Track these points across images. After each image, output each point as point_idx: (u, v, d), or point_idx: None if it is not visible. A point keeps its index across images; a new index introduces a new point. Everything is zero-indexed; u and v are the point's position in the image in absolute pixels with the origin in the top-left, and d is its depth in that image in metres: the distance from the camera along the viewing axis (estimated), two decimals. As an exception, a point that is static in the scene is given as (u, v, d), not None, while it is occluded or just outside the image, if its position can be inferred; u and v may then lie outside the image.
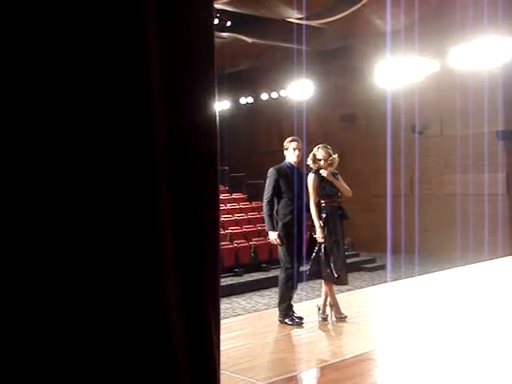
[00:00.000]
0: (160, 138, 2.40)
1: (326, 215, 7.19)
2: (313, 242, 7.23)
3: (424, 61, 16.99)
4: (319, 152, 7.32)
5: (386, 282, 13.79)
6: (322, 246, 7.14)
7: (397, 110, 17.49)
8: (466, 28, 15.11)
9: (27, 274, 2.01)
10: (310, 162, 7.35)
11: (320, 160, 7.29)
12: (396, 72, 17.15)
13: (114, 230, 2.25)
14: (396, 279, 12.48)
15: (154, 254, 2.34)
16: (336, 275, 7.14)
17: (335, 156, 7.39)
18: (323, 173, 7.24)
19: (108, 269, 2.22)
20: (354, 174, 18.97)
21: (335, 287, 7.48)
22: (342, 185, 7.34)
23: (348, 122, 20.64)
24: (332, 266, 7.12)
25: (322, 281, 7.39)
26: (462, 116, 17.16)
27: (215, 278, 2.72)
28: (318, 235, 7.14)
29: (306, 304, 8.55)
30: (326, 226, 7.17)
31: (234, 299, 13.69)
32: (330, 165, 7.34)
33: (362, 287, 13.03)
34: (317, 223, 7.15)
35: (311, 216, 7.22)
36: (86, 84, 2.17)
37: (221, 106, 21.83)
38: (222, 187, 19.60)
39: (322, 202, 7.24)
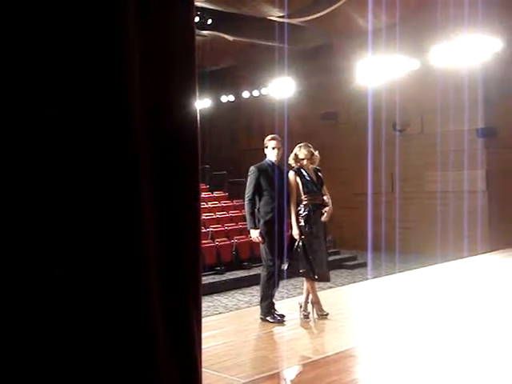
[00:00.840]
0: (140, 137, 2.40)
1: (308, 212, 7.24)
2: (294, 239, 7.26)
3: (405, 59, 17.07)
4: (301, 151, 7.35)
5: (367, 279, 13.87)
6: (300, 242, 7.18)
7: (378, 107, 17.59)
8: (447, 27, 15.21)
9: (6, 274, 2.01)
10: (291, 161, 7.40)
11: (303, 159, 7.34)
12: (377, 70, 17.22)
13: (95, 229, 2.24)
14: (377, 276, 12.53)
15: (136, 254, 2.33)
16: (315, 272, 7.17)
17: (317, 153, 7.45)
18: (324, 218, 7.25)
19: (89, 268, 2.21)
20: (336, 172, 19.08)
21: (317, 284, 7.51)
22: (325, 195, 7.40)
23: (329, 120, 20.69)
24: (312, 262, 7.16)
25: (304, 278, 7.41)
26: (442, 113, 17.28)
27: (197, 276, 2.72)
28: (295, 232, 7.20)
29: (288, 302, 8.57)
30: (307, 222, 7.21)
31: (216, 297, 13.70)
32: (312, 162, 7.41)
33: (343, 285, 13.08)
34: (293, 219, 7.22)
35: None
36: (65, 83, 2.16)
37: (202, 104, 21.79)
38: (203, 185, 19.58)
39: (304, 199, 7.28)
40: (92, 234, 2.24)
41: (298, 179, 7.29)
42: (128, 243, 2.33)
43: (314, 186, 7.32)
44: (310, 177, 7.35)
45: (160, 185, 2.53)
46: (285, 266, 7.26)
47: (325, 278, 7.45)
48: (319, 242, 7.24)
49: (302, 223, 7.21)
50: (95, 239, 2.24)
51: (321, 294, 7.66)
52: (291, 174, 7.31)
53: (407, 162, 18.54)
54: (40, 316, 2.07)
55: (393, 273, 12.53)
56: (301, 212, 7.26)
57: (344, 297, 9.06)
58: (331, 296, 8.76)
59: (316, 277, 7.25)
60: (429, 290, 9.28)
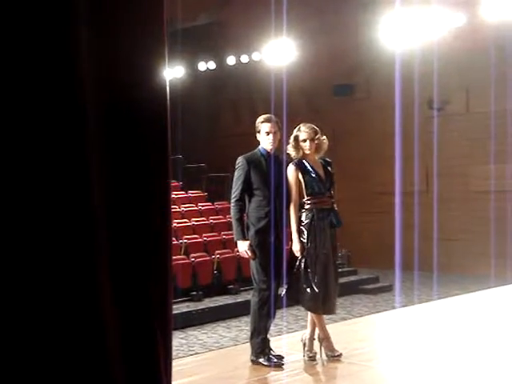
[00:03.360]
0: (89, 118, 2.42)
1: (311, 220, 7.22)
2: (295, 256, 7.23)
3: (447, 12, 17.02)
4: (302, 131, 7.33)
5: (393, 308, 13.90)
6: (302, 261, 7.17)
7: (409, 78, 17.60)
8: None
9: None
10: (290, 148, 7.37)
11: (304, 141, 7.30)
12: (408, 27, 17.20)
13: (33, 237, 2.31)
14: (407, 304, 12.58)
15: (85, 279, 2.40)
16: (319, 303, 7.14)
17: (324, 137, 7.45)
18: None
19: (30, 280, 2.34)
20: (351, 164, 19.14)
21: (326, 315, 7.52)
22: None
23: (343, 95, 20.74)
24: (314, 287, 7.12)
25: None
26: (496, 87, 17.27)
27: (165, 304, 2.74)
28: (295, 247, 7.17)
29: (288, 338, 8.59)
30: (310, 234, 7.20)
31: (191, 332, 13.72)
32: (318, 149, 7.38)
33: (361, 315, 13.12)
34: (294, 230, 7.20)
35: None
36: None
37: (172, 73, 21.73)
38: (174, 182, 19.57)
39: (308, 202, 7.26)
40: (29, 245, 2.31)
41: (300, 175, 7.28)
42: (71, 263, 2.39)
43: (320, 185, 7.31)
44: (315, 172, 7.33)
45: (116, 178, 2.55)
46: (283, 291, 7.29)
47: (330, 310, 7.45)
48: (326, 261, 7.23)
49: (305, 235, 7.20)
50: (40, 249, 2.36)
51: (331, 328, 7.66)
52: (291, 169, 7.30)
53: (448, 152, 18.60)
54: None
55: (429, 300, 12.59)
56: (303, 219, 7.25)
57: (362, 332, 9.08)
58: (345, 330, 8.79)
59: (320, 310, 7.25)
60: (478, 323, 9.29)
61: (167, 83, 2.74)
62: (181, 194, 20.28)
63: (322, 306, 7.21)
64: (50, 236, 2.41)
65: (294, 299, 7.36)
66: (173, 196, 18.30)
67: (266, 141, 7.36)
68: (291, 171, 7.30)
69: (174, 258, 15.10)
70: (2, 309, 2.29)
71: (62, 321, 2.41)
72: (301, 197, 7.29)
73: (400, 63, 17.13)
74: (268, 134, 7.33)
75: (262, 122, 7.40)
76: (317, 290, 7.12)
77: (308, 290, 7.14)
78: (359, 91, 20.64)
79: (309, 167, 7.32)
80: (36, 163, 2.33)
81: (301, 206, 7.29)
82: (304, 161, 7.35)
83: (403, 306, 12.71)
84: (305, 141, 7.30)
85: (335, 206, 7.41)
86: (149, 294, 2.67)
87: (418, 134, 17.88)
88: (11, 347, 2.29)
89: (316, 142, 7.32)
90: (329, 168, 7.47)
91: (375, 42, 18.31)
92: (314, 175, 7.31)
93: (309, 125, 7.39)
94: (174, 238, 16.07)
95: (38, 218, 2.37)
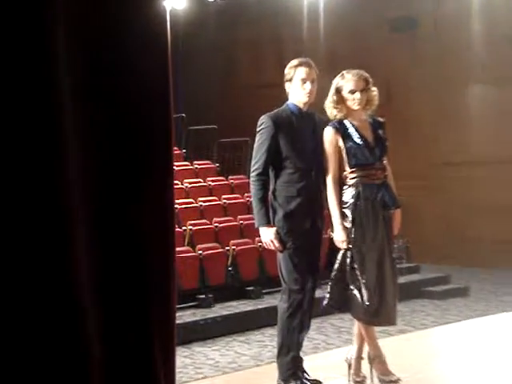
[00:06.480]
0: (60, 67, 2.48)
1: (356, 200, 7.22)
2: (337, 248, 7.26)
3: None
4: (347, 79, 7.29)
5: (469, 317, 13.84)
6: (347, 255, 7.19)
7: (491, 10, 17.50)
8: None
9: None
10: (329, 105, 7.33)
11: (352, 92, 7.23)
12: None
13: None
14: (487, 313, 12.58)
15: (65, 291, 2.52)
16: (367, 307, 7.14)
17: (375, 89, 7.43)
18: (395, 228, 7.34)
19: None
20: (413, 125, 19.03)
21: (378, 328, 7.57)
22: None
23: (402, 32, 20.64)
24: (363, 290, 7.14)
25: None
26: None
27: (167, 312, 2.79)
28: (337, 237, 7.19)
29: (327, 356, 8.63)
30: (356, 219, 7.20)
31: (198, 349, 13.75)
32: (367, 104, 7.38)
33: (426, 327, 13.15)
34: (335, 215, 7.20)
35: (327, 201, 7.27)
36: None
37: (172, 3, 21.65)
38: (175, 150, 19.60)
39: (351, 176, 7.27)
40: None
41: (341, 141, 7.27)
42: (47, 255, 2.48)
43: (368, 154, 7.30)
44: (361, 136, 7.32)
45: (99, 159, 2.61)
46: (325, 299, 7.29)
47: (388, 320, 7.48)
48: (379, 255, 7.26)
49: (349, 220, 7.21)
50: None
51: (386, 344, 7.72)
52: (328, 133, 7.29)
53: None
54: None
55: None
56: (345, 199, 7.25)
57: (427, 349, 9.10)
58: (404, 347, 8.84)
59: (374, 319, 7.28)
60: None
61: (167, 19, 2.77)
62: (184, 165, 20.29)
63: (376, 314, 7.21)
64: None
65: (337, 305, 7.40)
66: (174, 168, 18.19)
67: (300, 92, 7.33)
68: (329, 136, 7.28)
69: (176, 250, 15.01)
70: None
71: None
72: (342, 169, 7.29)
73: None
74: (304, 81, 7.31)
75: (296, 66, 7.37)
76: (366, 295, 7.12)
77: (356, 293, 7.15)
78: (424, 27, 20.49)
79: (352, 130, 7.30)
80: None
81: (343, 182, 7.28)
82: (346, 121, 7.32)
83: (482, 315, 12.69)
84: (352, 92, 7.24)
85: (389, 180, 7.41)
86: (146, 300, 2.72)
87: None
88: None
89: (366, 94, 7.31)
90: (380, 131, 7.47)
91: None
92: (359, 140, 7.30)
93: (356, 71, 7.36)
94: (176, 225, 16.01)
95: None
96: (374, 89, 7.40)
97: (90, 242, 2.63)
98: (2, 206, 2.49)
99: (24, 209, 2.50)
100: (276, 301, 7.66)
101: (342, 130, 7.28)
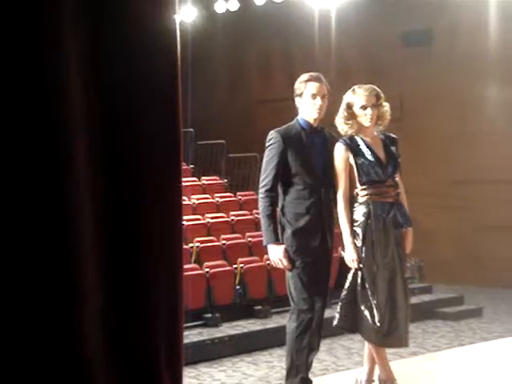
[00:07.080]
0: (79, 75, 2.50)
1: (367, 218, 7.21)
2: (347, 267, 7.26)
3: None
4: (357, 94, 7.28)
5: (485, 339, 13.84)
6: (358, 274, 7.16)
7: (508, 23, 17.51)
8: None
9: None
10: (340, 120, 7.33)
11: (364, 108, 7.21)
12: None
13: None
14: (502, 334, 12.55)
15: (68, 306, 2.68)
16: (378, 328, 7.10)
17: (387, 105, 7.39)
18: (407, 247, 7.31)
19: None
20: (426, 142, 19.05)
21: (389, 349, 7.49)
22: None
23: (416, 46, 20.66)
24: (374, 311, 7.11)
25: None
26: None
27: (174, 331, 2.74)
28: (348, 256, 7.17)
29: (337, 378, 8.59)
30: (367, 237, 7.19)
31: (204, 369, 13.73)
32: (379, 120, 7.36)
33: (438, 349, 13.13)
34: (346, 234, 7.19)
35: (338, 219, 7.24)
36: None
37: (182, 15, 21.79)
38: (183, 166, 19.65)
39: (362, 193, 7.26)
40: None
41: (352, 158, 7.25)
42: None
43: (379, 171, 7.28)
44: (372, 152, 7.31)
45: (109, 176, 2.60)
46: (335, 321, 7.26)
47: (400, 341, 7.44)
48: (391, 275, 7.23)
49: (360, 239, 7.19)
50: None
51: (397, 367, 7.68)
52: (339, 149, 7.28)
53: None
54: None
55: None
56: (356, 218, 7.24)
57: (440, 372, 9.04)
58: (416, 370, 8.76)
59: (385, 341, 7.24)
60: None
61: (176, 31, 2.74)
62: (192, 180, 20.31)
63: (387, 335, 7.19)
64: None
65: (348, 326, 7.37)
66: (182, 184, 18.28)
67: (310, 107, 7.32)
68: (340, 152, 7.27)
69: (185, 268, 15.05)
70: None
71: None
72: (353, 186, 7.27)
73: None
74: (315, 96, 7.29)
75: (307, 80, 7.37)
76: (378, 315, 7.08)
77: (367, 313, 7.12)
78: (438, 41, 20.51)
79: (364, 146, 7.30)
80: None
81: (353, 199, 7.27)
82: (357, 137, 7.32)
83: (497, 337, 12.67)
84: (364, 108, 7.24)
85: (401, 198, 7.37)
86: (153, 321, 2.71)
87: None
88: None
89: (378, 109, 7.29)
90: (392, 147, 7.45)
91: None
92: (370, 157, 7.29)
93: (367, 86, 7.35)
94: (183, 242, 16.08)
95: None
96: (385, 104, 7.40)
97: (96, 264, 2.71)
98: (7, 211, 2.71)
99: (33, 210, 2.75)
100: (285, 320, 7.64)
101: (353, 146, 7.27)
